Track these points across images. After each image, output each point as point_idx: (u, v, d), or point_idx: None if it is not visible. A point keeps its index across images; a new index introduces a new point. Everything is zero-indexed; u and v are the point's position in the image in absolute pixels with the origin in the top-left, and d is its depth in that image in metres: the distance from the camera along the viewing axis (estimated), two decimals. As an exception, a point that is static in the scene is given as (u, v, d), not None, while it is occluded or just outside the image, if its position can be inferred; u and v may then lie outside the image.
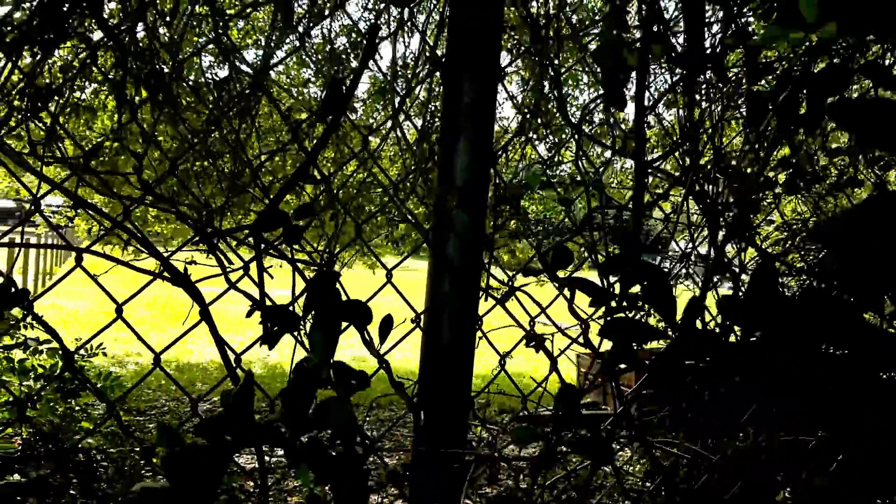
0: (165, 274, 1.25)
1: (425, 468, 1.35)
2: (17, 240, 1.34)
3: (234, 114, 1.76)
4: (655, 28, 1.13)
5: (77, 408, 4.19)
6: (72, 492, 3.62)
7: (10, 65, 1.30)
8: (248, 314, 1.13)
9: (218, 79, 2.00)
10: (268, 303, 1.19)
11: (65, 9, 1.34)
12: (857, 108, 0.75)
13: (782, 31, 0.63)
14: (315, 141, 1.45)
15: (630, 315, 1.15)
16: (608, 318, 1.07)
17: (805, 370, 0.84)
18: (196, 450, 0.84)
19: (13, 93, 1.36)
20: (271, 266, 1.29)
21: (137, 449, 3.98)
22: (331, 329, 1.03)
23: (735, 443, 1.57)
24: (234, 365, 1.26)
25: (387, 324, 1.28)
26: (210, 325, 1.25)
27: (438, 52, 1.74)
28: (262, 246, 1.21)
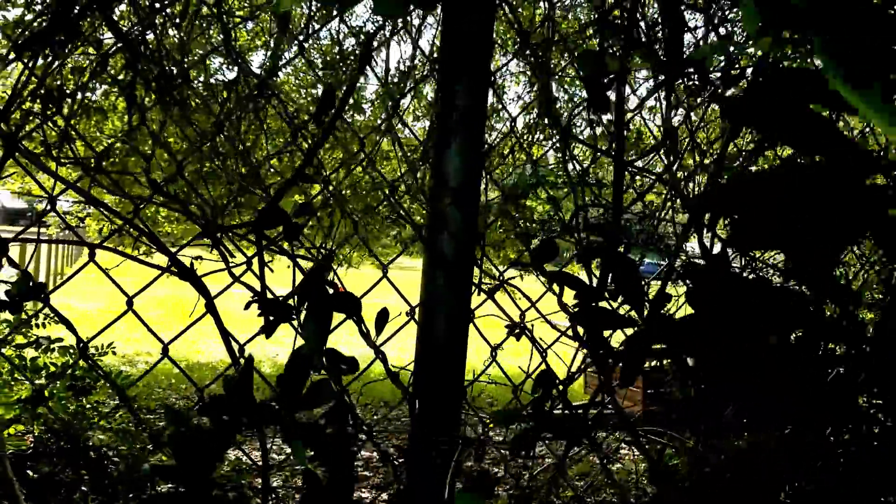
0: (173, 269, 1.31)
1: (419, 453, 1.41)
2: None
3: (239, 117, 1.82)
4: (636, 35, 1.18)
5: (88, 405, 4.26)
6: (83, 488, 3.69)
7: (23, 68, 1.37)
8: (247, 306, 1.20)
9: (226, 80, 2.05)
10: (268, 296, 1.25)
11: (76, 11, 1.40)
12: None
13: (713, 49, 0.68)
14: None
15: (613, 306, 1.20)
16: (581, 307, 1.12)
17: (742, 353, 0.89)
18: (200, 430, 0.90)
19: (24, 94, 1.42)
20: (272, 260, 1.35)
21: (148, 447, 4.05)
22: (323, 319, 1.10)
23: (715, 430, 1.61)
24: (238, 355, 1.33)
25: (382, 316, 1.35)
26: (215, 316, 1.31)
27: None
28: (264, 242, 1.27)
